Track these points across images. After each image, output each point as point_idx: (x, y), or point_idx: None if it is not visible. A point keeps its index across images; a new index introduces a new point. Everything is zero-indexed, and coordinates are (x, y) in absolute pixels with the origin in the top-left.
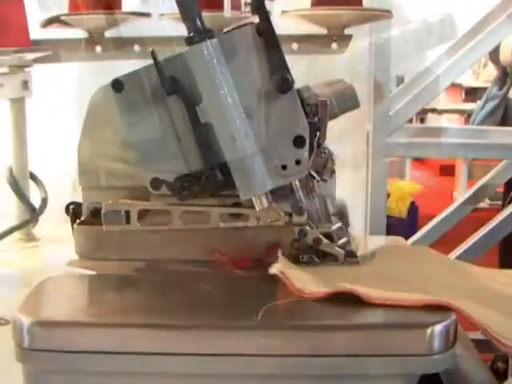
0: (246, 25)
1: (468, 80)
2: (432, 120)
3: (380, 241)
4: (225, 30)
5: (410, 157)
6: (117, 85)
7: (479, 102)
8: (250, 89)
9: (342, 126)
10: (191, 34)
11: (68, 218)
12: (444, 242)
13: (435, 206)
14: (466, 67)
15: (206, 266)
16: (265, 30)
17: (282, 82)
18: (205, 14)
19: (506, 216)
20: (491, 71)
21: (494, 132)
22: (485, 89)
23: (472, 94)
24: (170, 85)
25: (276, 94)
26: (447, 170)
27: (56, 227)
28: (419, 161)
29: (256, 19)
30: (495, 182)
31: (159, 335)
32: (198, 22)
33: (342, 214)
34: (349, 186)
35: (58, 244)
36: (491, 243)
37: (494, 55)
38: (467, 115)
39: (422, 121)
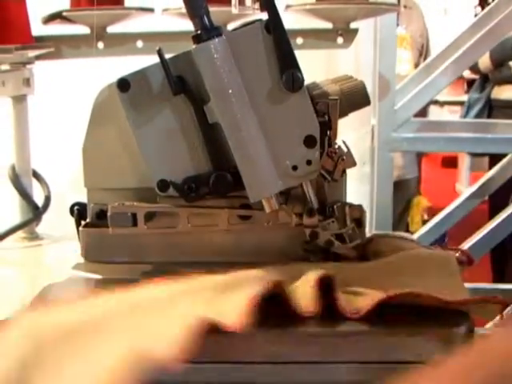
0: (254, 22)
1: (469, 71)
2: (433, 112)
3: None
4: (233, 27)
5: (415, 151)
6: (123, 84)
7: (461, 112)
8: (259, 88)
9: (347, 121)
10: (198, 32)
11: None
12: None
13: (438, 198)
14: (473, 60)
15: (215, 268)
16: (274, 27)
17: (292, 80)
18: (212, 10)
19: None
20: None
21: (501, 125)
22: None
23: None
24: (176, 84)
25: (286, 93)
26: (449, 162)
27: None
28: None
29: (264, 16)
30: (501, 175)
31: None
32: (206, 20)
33: (359, 216)
34: (354, 182)
35: (61, 243)
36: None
37: (473, 66)
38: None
39: (424, 113)
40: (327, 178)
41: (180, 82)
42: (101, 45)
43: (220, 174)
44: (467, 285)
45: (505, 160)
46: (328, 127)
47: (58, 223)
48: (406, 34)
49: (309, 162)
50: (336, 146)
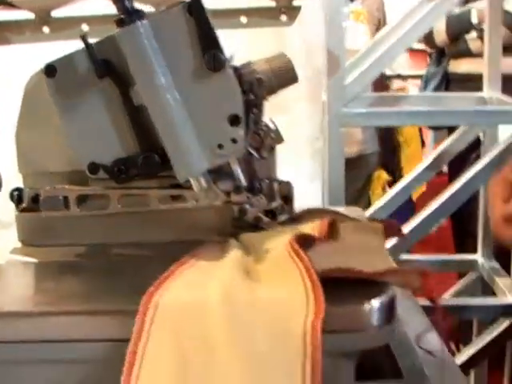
0: (177, 4)
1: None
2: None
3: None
4: (156, 10)
5: (369, 126)
6: (49, 70)
7: (420, 84)
8: (183, 69)
9: (300, 96)
10: (121, 16)
11: None
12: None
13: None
14: (419, 34)
15: (148, 249)
16: (195, 9)
17: (214, 60)
18: None
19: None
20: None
21: (454, 98)
22: None
23: None
24: (101, 67)
25: (209, 73)
26: None
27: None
28: None
29: None
30: (456, 148)
31: (100, 321)
32: (128, 3)
33: (287, 192)
34: (307, 157)
35: (11, 228)
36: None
37: (429, 39)
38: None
39: (386, 87)
40: (255, 156)
41: (105, 65)
42: (46, 29)
43: (148, 156)
44: (429, 257)
45: (457, 132)
46: (254, 105)
47: (8, 208)
48: (362, 8)
49: (234, 141)
50: (263, 124)
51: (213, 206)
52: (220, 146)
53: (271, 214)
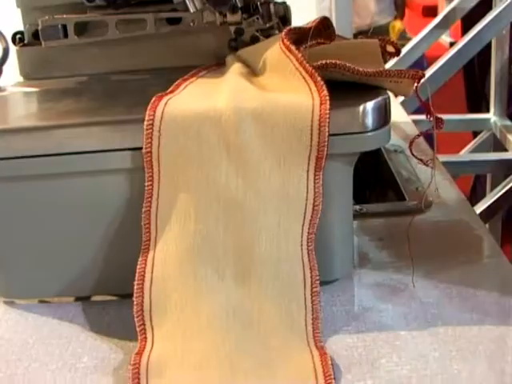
0: None
1: None
2: None
3: None
4: None
5: None
6: None
7: None
8: None
9: None
10: None
11: None
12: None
13: None
14: None
15: (147, 74)
16: None
17: None
18: None
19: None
20: None
21: None
22: None
23: None
24: None
25: None
26: (430, 11)
27: None
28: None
29: None
30: (466, 5)
31: (98, 132)
32: None
33: (284, 13)
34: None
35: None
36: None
37: None
38: None
39: None
40: None
41: None
42: None
43: None
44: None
45: None
46: None
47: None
48: None
49: None
50: None
51: (209, 27)
52: None
53: (268, 34)
